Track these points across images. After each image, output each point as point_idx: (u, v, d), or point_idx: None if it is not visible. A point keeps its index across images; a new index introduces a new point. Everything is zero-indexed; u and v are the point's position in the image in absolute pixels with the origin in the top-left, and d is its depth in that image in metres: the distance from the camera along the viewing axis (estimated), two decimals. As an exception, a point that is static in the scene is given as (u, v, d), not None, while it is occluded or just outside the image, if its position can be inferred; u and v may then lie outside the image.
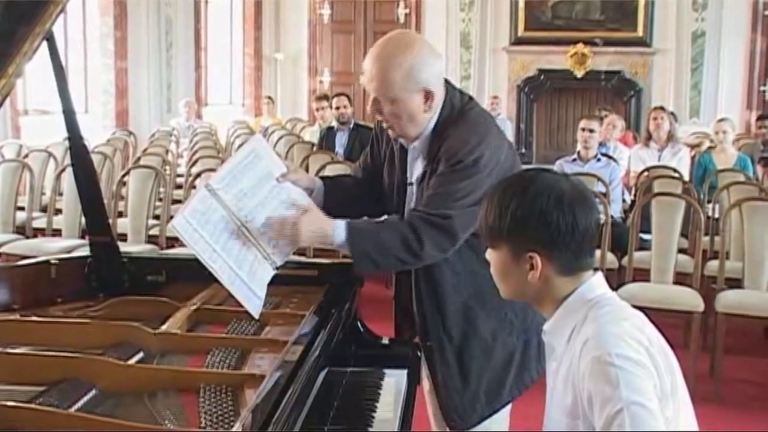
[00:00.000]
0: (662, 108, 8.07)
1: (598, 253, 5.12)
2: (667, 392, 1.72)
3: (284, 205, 2.56)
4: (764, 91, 13.13)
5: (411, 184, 2.66)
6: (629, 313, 1.84)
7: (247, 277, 2.39)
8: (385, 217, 2.72)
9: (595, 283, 1.90)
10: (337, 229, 2.45)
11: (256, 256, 2.47)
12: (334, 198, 2.73)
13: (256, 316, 2.40)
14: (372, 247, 2.47)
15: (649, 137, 7.85)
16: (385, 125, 2.66)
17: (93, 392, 2.00)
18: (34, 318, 2.54)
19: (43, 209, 6.99)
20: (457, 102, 2.62)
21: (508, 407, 2.73)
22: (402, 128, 2.59)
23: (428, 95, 2.54)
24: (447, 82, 2.64)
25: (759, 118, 10.20)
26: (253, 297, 2.39)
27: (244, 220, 2.43)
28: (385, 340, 2.88)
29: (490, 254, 1.97)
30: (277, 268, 2.53)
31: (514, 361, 2.66)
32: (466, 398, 2.66)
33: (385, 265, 2.54)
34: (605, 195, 6.14)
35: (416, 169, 2.65)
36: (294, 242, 2.49)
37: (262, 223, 2.45)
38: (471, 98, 2.70)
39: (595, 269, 1.93)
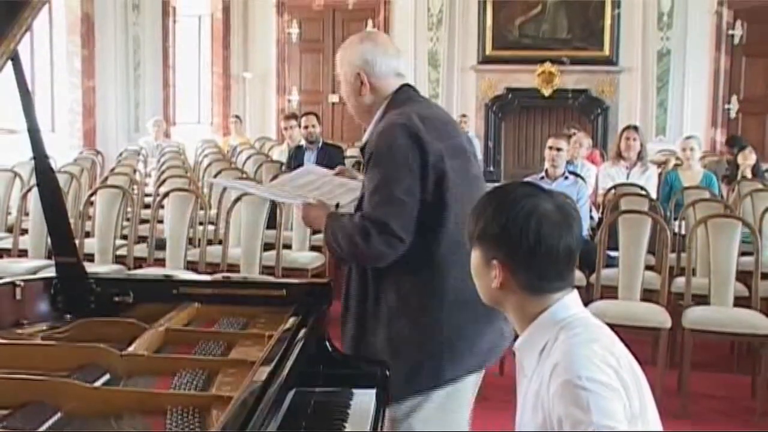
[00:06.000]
0: (635, 128, 8.04)
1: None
2: (636, 412, 1.73)
3: (342, 188, 2.91)
4: (729, 109, 13.29)
5: None
6: (600, 333, 1.84)
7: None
8: None
9: (569, 302, 1.90)
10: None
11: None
12: None
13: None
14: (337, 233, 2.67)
15: (619, 155, 7.83)
16: None
17: (58, 415, 1.97)
18: (-1, 340, 2.51)
19: (9, 230, 6.92)
20: (405, 107, 2.70)
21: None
22: (350, 109, 2.82)
23: (362, 79, 2.70)
24: (414, 90, 2.76)
25: (727, 143, 10.20)
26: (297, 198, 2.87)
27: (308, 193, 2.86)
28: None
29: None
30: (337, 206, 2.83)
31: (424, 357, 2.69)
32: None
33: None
34: (573, 213, 6.13)
35: None
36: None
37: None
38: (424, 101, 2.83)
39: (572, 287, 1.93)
